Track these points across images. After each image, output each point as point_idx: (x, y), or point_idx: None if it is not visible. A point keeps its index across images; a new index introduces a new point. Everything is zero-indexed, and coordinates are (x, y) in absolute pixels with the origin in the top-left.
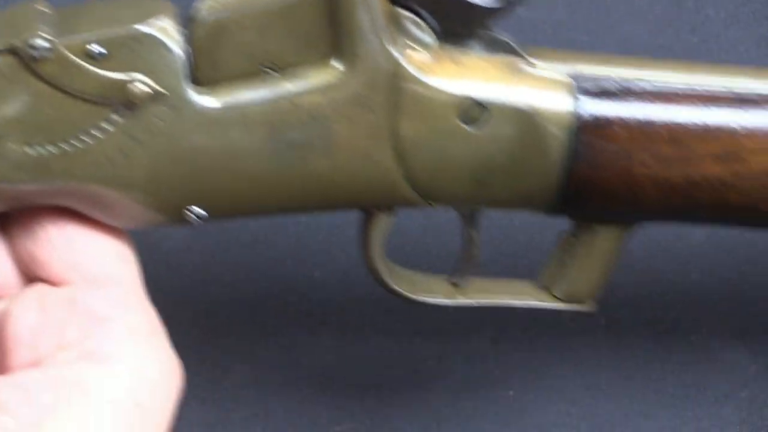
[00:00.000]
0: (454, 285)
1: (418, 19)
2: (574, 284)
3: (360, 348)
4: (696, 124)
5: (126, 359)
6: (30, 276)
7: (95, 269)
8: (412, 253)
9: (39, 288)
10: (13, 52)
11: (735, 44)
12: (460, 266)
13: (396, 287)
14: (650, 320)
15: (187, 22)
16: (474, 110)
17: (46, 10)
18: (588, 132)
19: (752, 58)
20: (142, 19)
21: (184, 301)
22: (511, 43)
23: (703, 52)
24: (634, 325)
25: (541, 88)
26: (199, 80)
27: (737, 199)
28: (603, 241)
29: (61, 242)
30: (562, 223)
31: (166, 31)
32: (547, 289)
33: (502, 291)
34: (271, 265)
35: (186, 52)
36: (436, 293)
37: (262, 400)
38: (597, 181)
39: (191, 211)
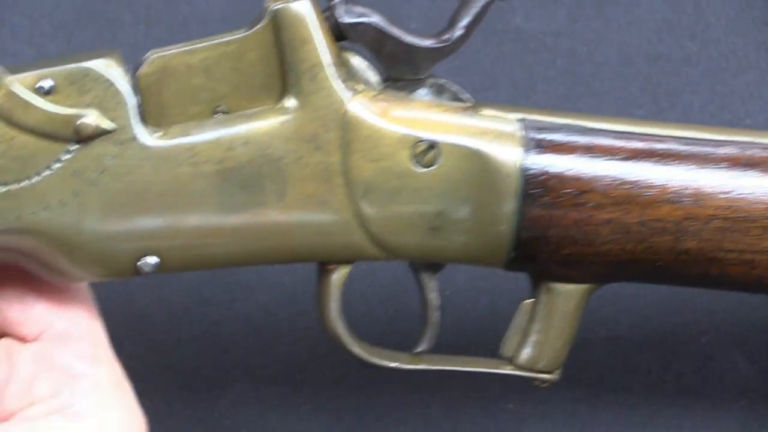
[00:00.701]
0: (416, 356)
1: (365, 64)
2: (537, 353)
3: (357, 363)
4: (649, 169)
5: (95, 414)
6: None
7: (64, 326)
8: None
9: (7, 343)
10: None
11: (735, 51)
12: (420, 332)
13: (354, 349)
14: (648, 329)
15: (137, 66)
16: (425, 150)
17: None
18: (539, 171)
19: (752, 64)
20: (91, 59)
21: (182, 318)
22: (459, 92)
23: (704, 59)
24: (632, 334)
25: (491, 129)
26: (148, 120)
27: (695, 246)
28: (563, 303)
29: (30, 300)
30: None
31: (112, 68)
32: (509, 360)
33: (464, 362)
34: (269, 282)
35: (135, 92)
36: (396, 360)
37: (261, 418)
38: (551, 222)
39: (143, 260)
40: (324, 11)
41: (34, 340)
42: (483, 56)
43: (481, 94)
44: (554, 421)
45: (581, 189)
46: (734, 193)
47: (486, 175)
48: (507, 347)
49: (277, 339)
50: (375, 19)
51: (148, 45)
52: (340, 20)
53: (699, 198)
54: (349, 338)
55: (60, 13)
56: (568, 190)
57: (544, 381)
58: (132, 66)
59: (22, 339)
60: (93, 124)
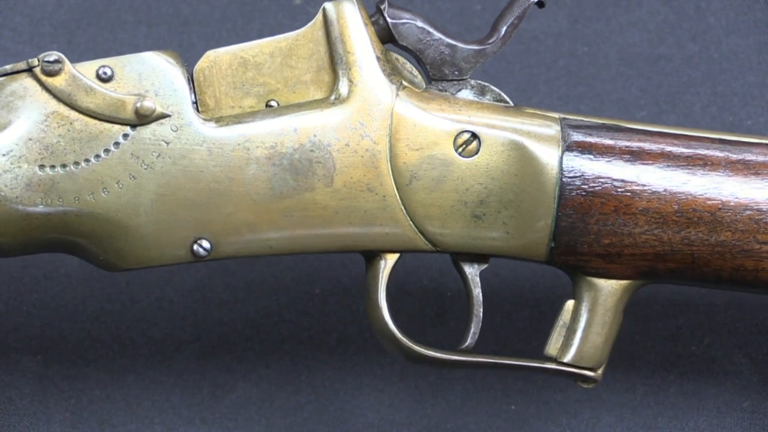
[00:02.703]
0: (461, 351)
1: (409, 65)
2: (580, 351)
3: (360, 364)
4: (685, 165)
5: None
6: None
7: None
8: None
9: None
10: (29, 70)
11: (736, 51)
12: (465, 326)
13: (403, 337)
14: (651, 331)
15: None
16: (467, 141)
17: None
18: (578, 164)
19: (753, 65)
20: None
21: (184, 319)
22: (501, 93)
23: (705, 60)
24: (634, 336)
25: (531, 121)
26: (203, 111)
27: (730, 237)
28: (604, 299)
29: None
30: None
31: (169, 59)
32: (554, 360)
33: (510, 358)
34: (272, 282)
35: (191, 84)
36: (440, 352)
37: (264, 418)
38: (590, 210)
39: (197, 244)
40: (372, 15)
41: None
42: None
43: None
44: (557, 422)
45: (617, 179)
46: (766, 187)
47: (526, 165)
48: (551, 346)
49: (279, 339)
50: (419, 20)
51: (149, 45)
52: (387, 21)
53: (733, 190)
54: (396, 329)
55: (61, 13)
56: (605, 180)
57: (588, 378)
58: (189, 65)
59: None
60: (152, 106)
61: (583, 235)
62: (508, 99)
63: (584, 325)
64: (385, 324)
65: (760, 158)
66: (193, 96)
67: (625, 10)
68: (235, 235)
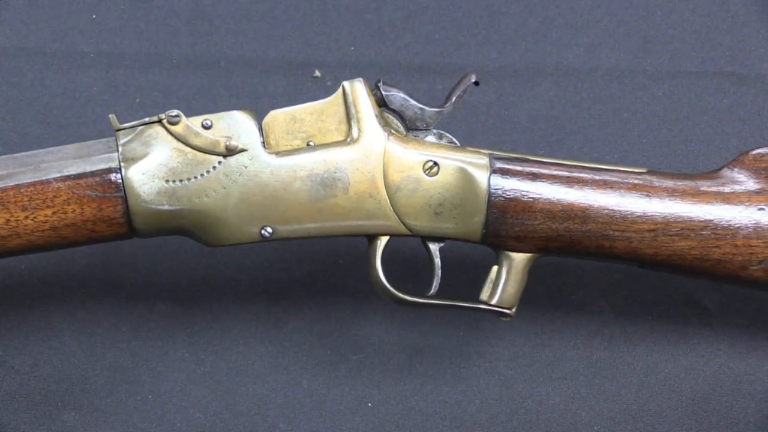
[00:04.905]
0: (428, 297)
1: (395, 120)
2: (501, 297)
3: (367, 305)
4: (566, 182)
5: None
6: None
7: None
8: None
9: None
10: (159, 122)
11: (609, 114)
12: (429, 282)
13: (391, 288)
14: (545, 286)
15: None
16: (431, 167)
17: None
18: (499, 181)
19: (613, 122)
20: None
21: (258, 278)
22: (452, 138)
23: (580, 120)
24: (535, 289)
25: (470, 155)
26: (268, 147)
27: (594, 227)
28: (516, 265)
29: None
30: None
31: (246, 115)
32: (485, 302)
33: (458, 301)
34: (311, 255)
35: (260, 131)
36: (414, 296)
37: (307, 340)
38: (507, 210)
39: (264, 230)
40: (372, 89)
41: None
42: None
43: None
44: (487, 342)
45: (524, 191)
46: (617, 196)
47: (468, 182)
48: (483, 294)
49: (316, 291)
50: (402, 93)
51: (237, 107)
52: (381, 93)
53: (596, 198)
54: (387, 283)
55: (182, 90)
56: (516, 191)
57: (506, 314)
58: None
59: None
60: (236, 144)
61: (503, 225)
62: (456, 141)
63: (503, 281)
64: (380, 280)
65: (612, 178)
66: (261, 138)
67: (530, 89)
68: (287, 225)
